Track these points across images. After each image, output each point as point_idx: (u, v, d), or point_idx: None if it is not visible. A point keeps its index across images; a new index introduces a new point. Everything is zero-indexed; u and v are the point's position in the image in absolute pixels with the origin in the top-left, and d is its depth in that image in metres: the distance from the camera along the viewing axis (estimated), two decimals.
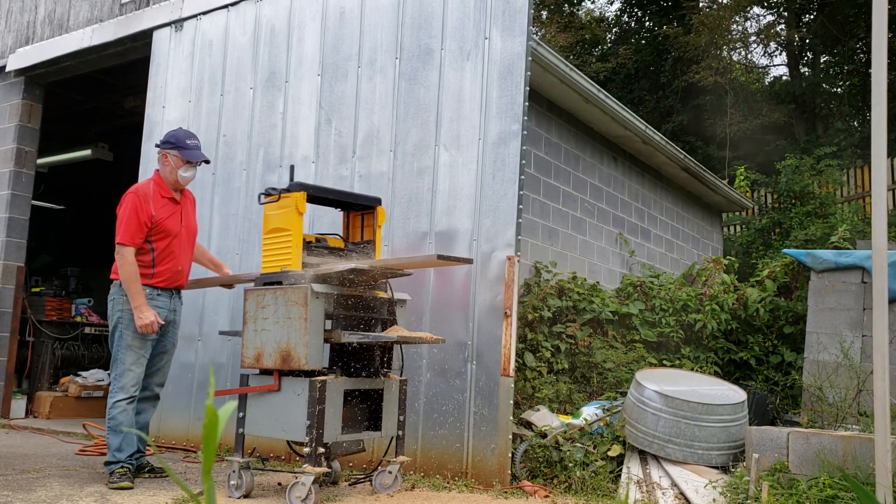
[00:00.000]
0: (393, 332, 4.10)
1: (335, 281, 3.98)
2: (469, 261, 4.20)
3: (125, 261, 4.44)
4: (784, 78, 18.09)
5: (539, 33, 19.15)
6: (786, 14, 16.43)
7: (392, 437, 4.26)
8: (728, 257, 8.12)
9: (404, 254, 5.06)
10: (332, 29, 5.76)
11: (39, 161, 8.88)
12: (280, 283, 4.01)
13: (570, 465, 4.45)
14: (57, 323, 8.40)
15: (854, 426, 4.66)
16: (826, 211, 10.90)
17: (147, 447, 4.68)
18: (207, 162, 4.72)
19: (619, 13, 21.32)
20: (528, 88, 4.83)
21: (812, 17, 16.96)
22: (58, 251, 11.48)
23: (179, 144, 4.62)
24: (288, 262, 4.03)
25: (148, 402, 4.73)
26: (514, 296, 4.69)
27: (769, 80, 19.02)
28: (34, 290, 8.64)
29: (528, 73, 4.86)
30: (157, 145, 4.71)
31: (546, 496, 4.22)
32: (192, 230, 4.81)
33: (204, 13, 6.57)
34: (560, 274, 6.21)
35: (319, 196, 4.28)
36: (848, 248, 5.97)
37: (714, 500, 3.98)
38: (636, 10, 20.39)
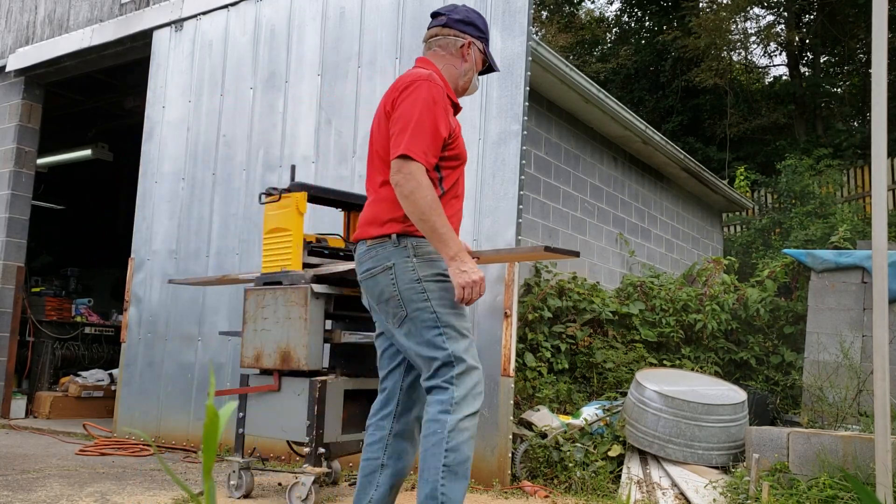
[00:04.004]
0: None
1: (335, 281, 3.98)
2: (576, 254, 3.92)
3: (419, 183, 2.56)
4: (784, 78, 18.10)
5: (539, 33, 19.15)
6: (786, 14, 16.43)
7: None
8: (728, 257, 8.12)
9: None
10: (332, 29, 5.76)
11: (39, 161, 8.89)
12: (280, 283, 4.01)
13: (571, 465, 4.45)
14: (57, 323, 8.40)
15: (854, 426, 4.66)
16: (826, 211, 10.89)
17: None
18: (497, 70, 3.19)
19: (619, 13, 21.33)
20: (528, 88, 4.83)
21: (812, 17, 16.97)
22: (58, 251, 11.49)
23: (487, 37, 3.05)
24: (288, 262, 4.03)
25: (407, 442, 2.85)
26: (514, 296, 4.69)
27: (769, 80, 19.03)
28: (34, 290, 8.64)
29: (528, 73, 4.86)
30: (450, 25, 2.98)
31: (546, 496, 4.22)
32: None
33: (204, 13, 6.57)
34: (560, 274, 6.21)
35: (320, 196, 4.28)
36: (848, 248, 5.96)
37: (714, 500, 3.98)
38: (636, 10, 20.40)
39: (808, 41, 17.00)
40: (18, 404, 7.75)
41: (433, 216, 2.56)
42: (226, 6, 6.43)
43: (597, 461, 4.48)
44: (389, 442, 2.82)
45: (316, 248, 4.23)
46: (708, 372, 5.91)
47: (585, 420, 4.86)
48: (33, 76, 8.00)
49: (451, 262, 2.60)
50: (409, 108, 2.66)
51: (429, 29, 3.04)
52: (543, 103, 6.64)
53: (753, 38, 17.32)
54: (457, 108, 2.91)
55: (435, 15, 3.05)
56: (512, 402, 4.59)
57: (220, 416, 0.83)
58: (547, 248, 3.65)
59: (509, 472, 4.50)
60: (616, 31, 21.23)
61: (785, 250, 6.32)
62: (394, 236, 2.68)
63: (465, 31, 2.98)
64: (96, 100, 9.32)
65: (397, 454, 2.81)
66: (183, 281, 5.28)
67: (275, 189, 4.16)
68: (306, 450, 3.79)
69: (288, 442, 4.30)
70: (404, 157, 2.59)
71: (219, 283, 5.03)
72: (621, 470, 4.51)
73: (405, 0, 5.41)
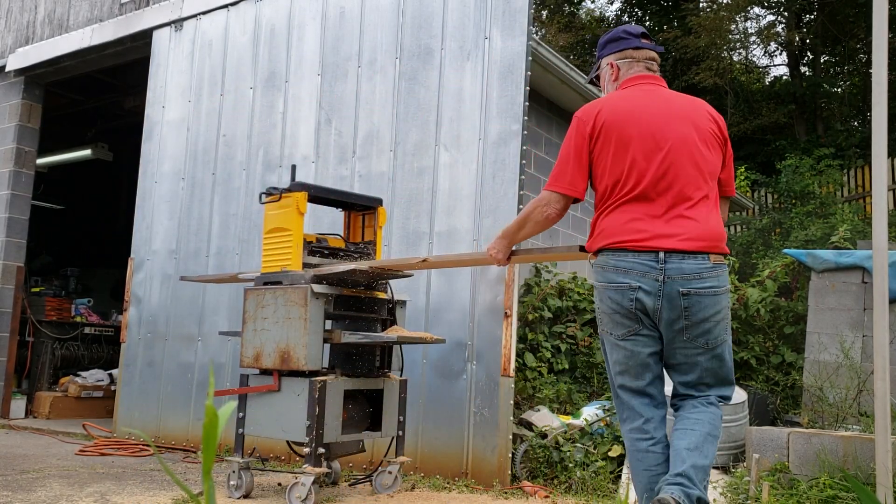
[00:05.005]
0: (393, 333, 4.10)
1: (335, 281, 3.98)
2: None
3: None
4: (784, 78, 18.10)
5: (539, 33, 19.14)
6: (786, 14, 16.43)
7: (392, 438, 4.26)
8: (728, 257, 8.11)
9: (403, 254, 5.06)
10: (331, 29, 5.76)
11: (39, 161, 8.88)
12: (280, 283, 4.00)
13: (571, 465, 4.45)
14: (57, 323, 8.40)
15: (854, 426, 4.66)
16: (826, 211, 10.88)
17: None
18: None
19: (619, 13, 21.31)
20: (528, 88, 4.83)
21: (812, 17, 16.96)
22: (58, 251, 11.48)
23: None
24: (288, 262, 4.03)
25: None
26: (514, 296, 4.69)
27: (769, 80, 19.02)
28: (34, 290, 8.64)
29: (529, 72, 4.85)
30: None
31: (546, 496, 4.21)
32: None
33: (204, 13, 6.56)
34: (560, 274, 6.21)
35: (320, 196, 4.27)
36: (848, 248, 5.96)
37: (714, 500, 3.98)
38: (636, 10, 20.40)
39: (808, 41, 16.99)
40: (18, 404, 7.74)
41: None
42: (226, 6, 6.43)
43: (597, 461, 4.48)
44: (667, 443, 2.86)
45: (316, 248, 4.23)
46: None
47: (586, 420, 4.86)
48: (33, 76, 8.00)
49: None
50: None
51: (647, 49, 2.99)
52: (543, 103, 6.63)
53: (753, 38, 17.31)
54: None
55: (644, 35, 3.00)
56: (512, 402, 4.59)
57: (219, 416, 0.83)
58: (581, 248, 3.55)
59: (509, 472, 4.50)
60: None
61: (785, 250, 6.31)
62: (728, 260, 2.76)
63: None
64: (96, 100, 9.32)
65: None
66: (195, 278, 5.26)
67: (275, 189, 4.16)
68: (306, 450, 3.78)
69: (288, 442, 4.30)
70: None
71: (231, 280, 5.02)
72: (621, 470, 4.50)
73: (405, 0, 5.40)
